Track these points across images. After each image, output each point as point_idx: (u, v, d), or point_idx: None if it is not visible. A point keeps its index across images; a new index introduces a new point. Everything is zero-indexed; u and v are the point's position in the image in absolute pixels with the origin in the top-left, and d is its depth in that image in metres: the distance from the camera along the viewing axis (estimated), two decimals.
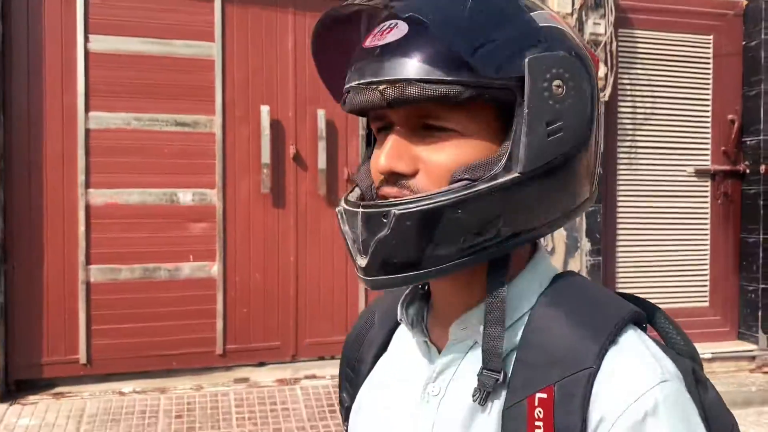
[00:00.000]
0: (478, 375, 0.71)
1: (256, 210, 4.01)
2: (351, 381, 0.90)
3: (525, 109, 0.68)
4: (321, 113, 4.07)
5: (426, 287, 0.83)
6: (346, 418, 0.90)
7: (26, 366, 3.70)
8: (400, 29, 0.69)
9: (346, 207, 0.73)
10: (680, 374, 0.69)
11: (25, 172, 3.70)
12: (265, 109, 3.97)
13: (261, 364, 4.04)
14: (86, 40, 3.77)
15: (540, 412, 0.67)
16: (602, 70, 4.48)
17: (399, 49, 0.68)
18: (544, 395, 0.67)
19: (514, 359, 0.71)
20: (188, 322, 3.91)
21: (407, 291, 0.83)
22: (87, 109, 3.78)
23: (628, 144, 4.75)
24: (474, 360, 0.74)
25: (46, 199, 3.73)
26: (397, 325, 0.86)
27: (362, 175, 0.77)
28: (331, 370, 4.02)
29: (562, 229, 4.43)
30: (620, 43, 4.64)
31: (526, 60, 0.68)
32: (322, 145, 4.05)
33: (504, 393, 0.70)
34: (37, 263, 3.72)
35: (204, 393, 3.78)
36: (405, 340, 0.84)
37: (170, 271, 3.88)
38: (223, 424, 3.49)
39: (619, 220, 4.75)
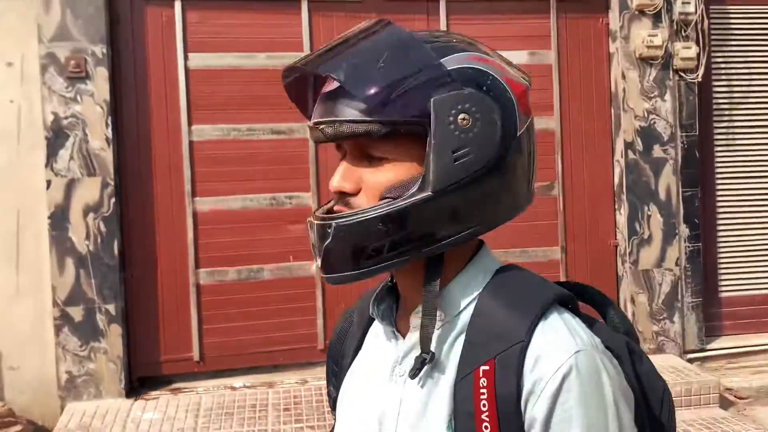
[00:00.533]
0: (416, 357, 0.87)
1: None
2: (336, 375, 1.03)
3: (431, 140, 0.83)
4: None
5: (394, 285, 0.97)
6: (334, 407, 1.02)
7: (147, 364, 4.01)
8: (335, 80, 0.85)
9: (309, 220, 0.90)
10: (595, 343, 0.84)
11: (138, 186, 4.00)
12: None
13: None
14: (186, 58, 4.02)
15: (484, 381, 0.81)
16: (693, 50, 4.35)
17: (335, 96, 0.85)
18: (487, 367, 0.82)
19: (463, 339, 0.86)
20: (291, 320, 4.11)
21: (378, 290, 0.97)
22: (189, 123, 4.04)
23: (724, 125, 4.59)
24: (432, 344, 0.88)
25: (157, 210, 4.02)
26: (371, 321, 1.00)
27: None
28: None
29: (657, 215, 4.34)
30: (712, 21, 4.48)
31: (432, 100, 0.82)
32: None
33: (454, 369, 0.85)
34: (151, 270, 4.01)
35: (309, 387, 3.97)
36: (377, 333, 0.98)
37: (273, 272, 4.09)
38: (328, 416, 3.65)
39: (719, 204, 4.60)
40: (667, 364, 4.23)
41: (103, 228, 3.84)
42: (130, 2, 3.97)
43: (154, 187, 4.02)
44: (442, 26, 4.31)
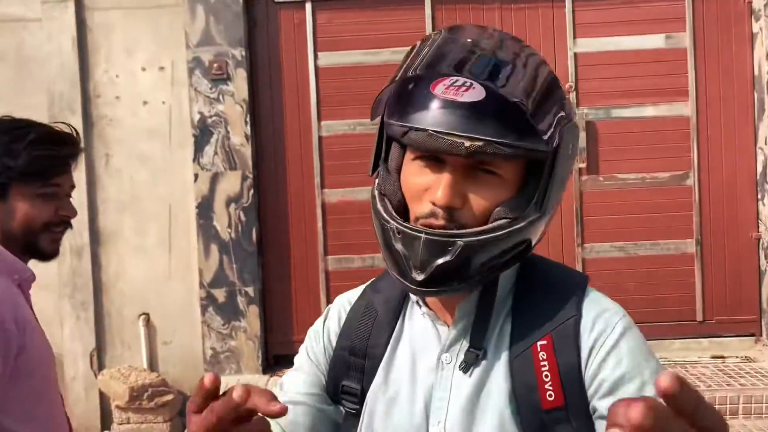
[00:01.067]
0: (465, 352, 0.92)
1: None
2: (359, 367, 0.98)
3: (557, 168, 0.88)
4: None
5: None
6: (360, 401, 0.97)
7: (281, 343, 4.31)
8: (477, 91, 0.83)
9: (403, 228, 0.87)
10: None
11: (273, 178, 4.30)
12: None
13: None
14: (315, 57, 4.25)
15: (543, 354, 0.88)
16: None
17: (479, 111, 0.83)
18: (545, 342, 0.88)
19: (510, 323, 0.92)
20: None
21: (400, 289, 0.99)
22: (319, 119, 4.27)
23: None
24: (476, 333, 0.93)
25: (290, 201, 4.30)
26: (399, 312, 0.99)
27: (392, 189, 0.92)
28: None
29: None
30: None
31: (560, 131, 0.87)
32: None
33: (505, 350, 0.91)
34: (285, 256, 4.31)
35: None
36: (413, 323, 0.98)
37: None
38: None
39: None
40: None
41: (243, 217, 4.17)
42: (266, 7, 4.26)
43: (287, 179, 4.30)
44: (568, 14, 4.23)
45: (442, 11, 4.21)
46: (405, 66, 0.90)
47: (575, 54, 4.25)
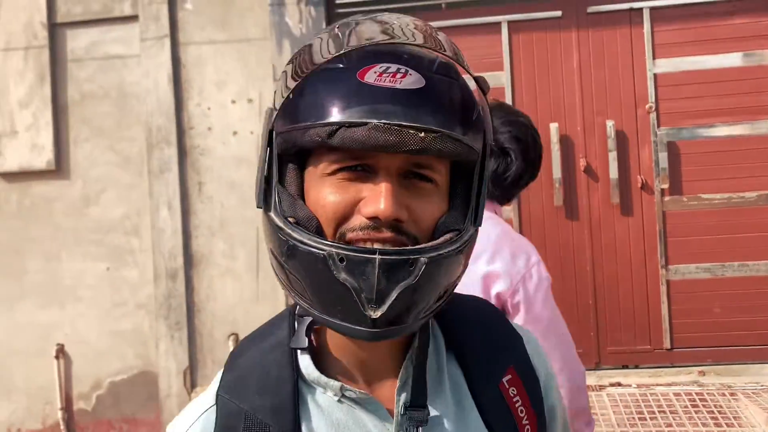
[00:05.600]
0: (404, 414, 0.74)
1: (550, 223, 4.24)
2: None
3: (485, 171, 0.76)
4: (610, 124, 4.16)
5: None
6: None
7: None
8: (416, 78, 0.69)
9: (350, 254, 0.67)
10: None
11: None
12: (553, 126, 4.19)
13: None
14: None
15: (513, 390, 0.81)
16: None
17: (424, 98, 0.69)
18: (509, 376, 0.82)
19: (455, 366, 0.81)
20: None
21: (289, 373, 0.78)
22: None
23: None
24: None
25: None
26: (292, 415, 0.76)
27: (305, 215, 0.73)
28: (635, 378, 4.04)
29: None
30: None
31: (487, 129, 0.76)
32: (612, 156, 4.13)
33: (465, 396, 0.80)
34: None
35: None
36: (326, 416, 0.77)
37: None
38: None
39: None
40: None
41: None
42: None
43: None
44: (647, 34, 4.24)
45: (519, 36, 4.29)
46: (301, 63, 0.74)
47: (654, 75, 4.25)
